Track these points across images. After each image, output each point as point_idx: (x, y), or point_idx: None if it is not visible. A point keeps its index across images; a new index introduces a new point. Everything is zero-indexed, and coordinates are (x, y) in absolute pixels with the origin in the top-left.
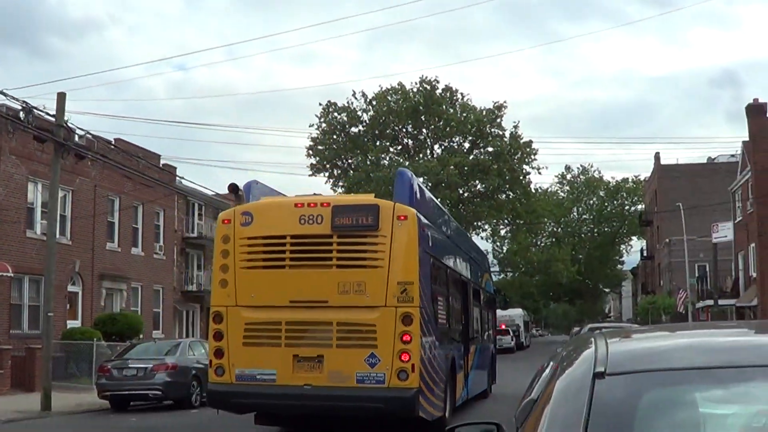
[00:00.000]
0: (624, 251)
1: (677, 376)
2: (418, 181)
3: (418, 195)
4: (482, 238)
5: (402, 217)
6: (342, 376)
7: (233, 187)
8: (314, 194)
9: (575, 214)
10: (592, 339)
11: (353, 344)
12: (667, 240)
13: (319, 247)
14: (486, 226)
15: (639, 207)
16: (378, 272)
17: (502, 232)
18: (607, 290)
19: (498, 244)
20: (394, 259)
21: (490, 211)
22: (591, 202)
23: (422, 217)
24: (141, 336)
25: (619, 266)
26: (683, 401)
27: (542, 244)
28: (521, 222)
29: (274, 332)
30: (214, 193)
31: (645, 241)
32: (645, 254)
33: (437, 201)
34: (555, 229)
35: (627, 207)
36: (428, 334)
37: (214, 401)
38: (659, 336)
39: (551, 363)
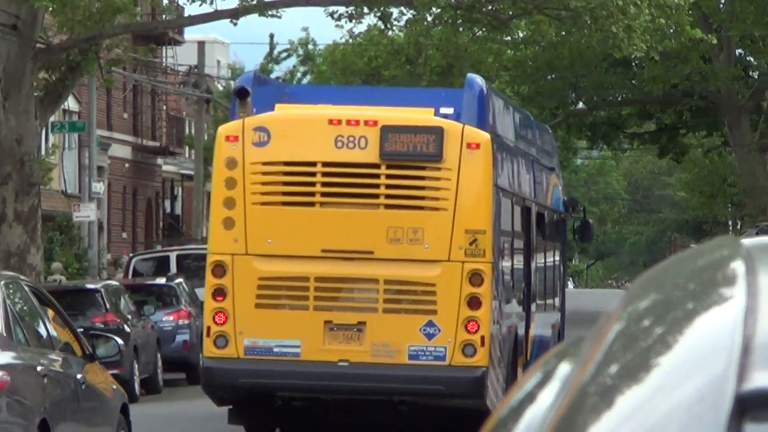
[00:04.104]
0: None
1: None
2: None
3: (491, 109)
4: None
5: (473, 146)
6: (389, 351)
7: (242, 92)
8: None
9: None
10: (739, 264)
11: (405, 309)
12: None
13: (362, 179)
14: None
15: None
16: (440, 216)
17: None
18: None
19: None
20: (462, 200)
21: None
22: None
23: (496, 142)
24: None
25: None
26: None
27: None
28: None
29: (299, 291)
30: None
31: None
32: None
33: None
34: None
35: None
36: (498, 299)
37: (213, 383)
38: None
39: (561, 368)
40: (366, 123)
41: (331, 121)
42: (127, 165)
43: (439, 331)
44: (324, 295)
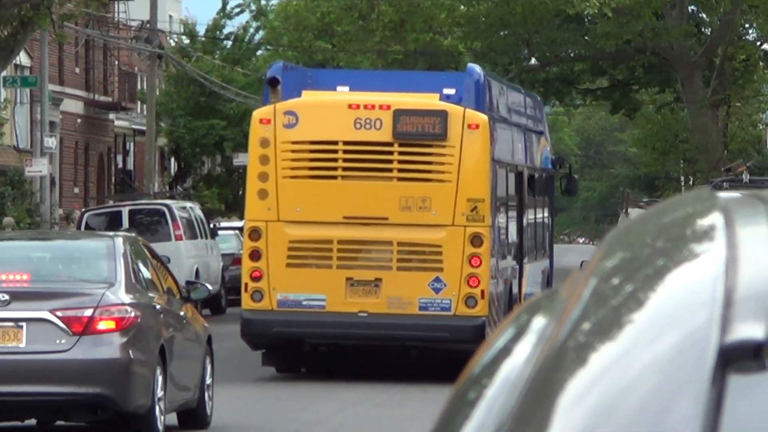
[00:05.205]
0: None
1: None
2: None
3: (488, 93)
4: None
5: (473, 126)
6: (402, 303)
7: (274, 81)
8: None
9: None
10: (717, 216)
11: (416, 267)
12: None
13: (377, 156)
14: None
15: None
16: (445, 187)
17: None
18: None
19: None
20: (464, 173)
21: None
22: None
23: (492, 121)
24: None
25: None
26: None
27: None
28: None
29: (324, 252)
30: None
31: None
32: None
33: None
34: None
35: None
36: (495, 257)
37: (251, 331)
38: None
39: (535, 321)
40: (381, 107)
41: (350, 106)
42: (79, 120)
43: (445, 285)
44: (346, 256)
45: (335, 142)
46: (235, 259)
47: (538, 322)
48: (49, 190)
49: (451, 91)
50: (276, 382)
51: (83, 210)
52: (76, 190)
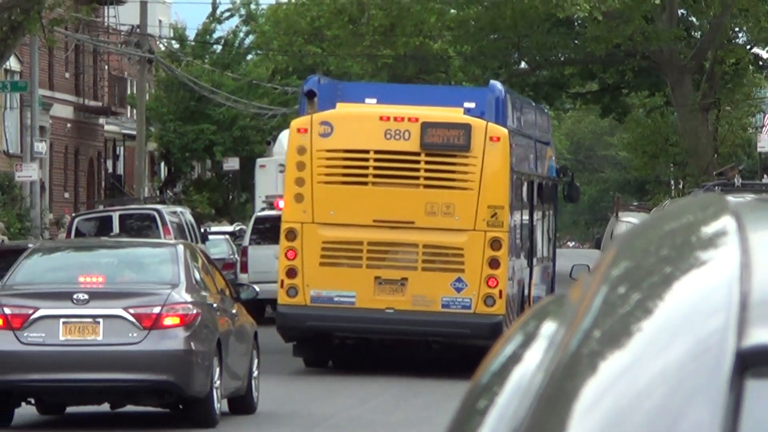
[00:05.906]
0: None
1: None
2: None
3: (507, 108)
4: None
5: (495, 139)
6: (426, 301)
7: (311, 93)
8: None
9: None
10: (728, 220)
11: (439, 268)
12: None
13: (405, 164)
14: None
15: None
16: (468, 194)
17: None
18: None
19: None
20: (485, 181)
21: None
22: None
23: (511, 134)
24: None
25: None
26: None
27: None
28: None
29: (355, 252)
30: None
31: None
32: None
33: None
34: None
35: None
36: (512, 260)
37: (285, 324)
38: None
39: (544, 327)
40: (409, 119)
41: (381, 118)
42: (68, 125)
43: (466, 285)
44: (375, 256)
45: (367, 151)
46: (225, 264)
47: (548, 327)
48: (39, 195)
49: (472, 105)
50: (285, 379)
51: (73, 215)
52: (66, 195)
